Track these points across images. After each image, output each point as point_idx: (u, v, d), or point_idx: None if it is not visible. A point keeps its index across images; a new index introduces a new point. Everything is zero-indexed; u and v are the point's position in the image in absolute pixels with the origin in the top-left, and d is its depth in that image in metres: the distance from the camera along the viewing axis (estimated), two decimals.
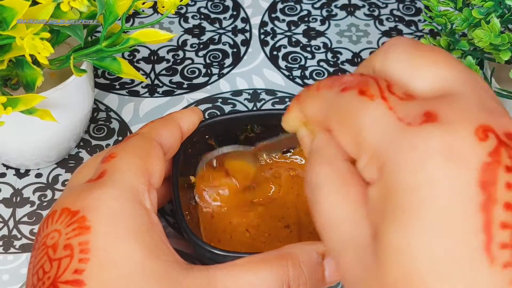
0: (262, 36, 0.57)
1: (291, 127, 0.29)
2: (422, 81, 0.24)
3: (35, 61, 0.38)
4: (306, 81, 0.53)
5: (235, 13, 0.59)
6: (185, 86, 0.53)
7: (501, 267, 0.20)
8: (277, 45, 0.57)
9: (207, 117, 0.48)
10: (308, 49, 0.56)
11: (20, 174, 0.47)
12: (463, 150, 0.21)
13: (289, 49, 0.56)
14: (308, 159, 0.27)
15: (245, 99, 0.52)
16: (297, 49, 0.56)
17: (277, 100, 0.52)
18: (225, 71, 0.54)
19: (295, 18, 0.59)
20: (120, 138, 0.49)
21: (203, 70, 0.54)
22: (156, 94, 0.52)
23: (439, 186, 0.21)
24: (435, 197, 0.21)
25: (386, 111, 0.23)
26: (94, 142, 0.49)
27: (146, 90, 0.53)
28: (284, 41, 0.57)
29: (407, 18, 0.59)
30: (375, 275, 0.23)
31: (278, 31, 0.58)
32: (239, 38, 0.57)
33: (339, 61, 0.55)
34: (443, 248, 0.21)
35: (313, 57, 0.56)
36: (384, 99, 0.24)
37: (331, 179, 0.25)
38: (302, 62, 0.55)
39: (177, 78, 0.54)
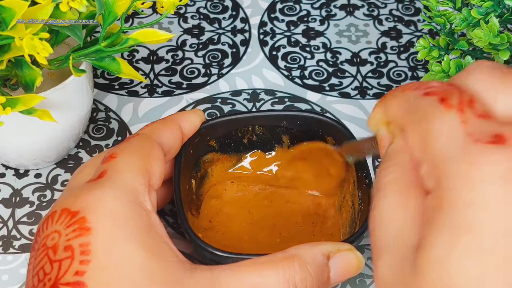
0: (262, 36, 0.57)
1: (373, 126, 0.30)
2: (503, 105, 0.25)
3: (34, 61, 0.38)
4: (305, 81, 0.53)
5: (234, 13, 0.59)
6: (184, 86, 0.53)
7: None
8: (276, 45, 0.57)
9: (207, 117, 0.48)
10: (308, 49, 0.56)
11: (20, 174, 0.47)
12: None
13: (289, 49, 0.56)
14: (382, 160, 0.28)
15: (244, 99, 0.52)
16: (297, 49, 0.56)
17: (277, 100, 0.52)
18: (224, 71, 0.54)
19: (294, 18, 0.59)
20: (119, 138, 0.49)
21: (203, 70, 0.54)
22: (156, 94, 0.52)
23: (494, 208, 0.21)
24: (487, 218, 0.21)
25: (458, 123, 0.24)
26: (93, 142, 0.49)
27: (145, 90, 0.53)
28: (284, 41, 0.57)
29: (406, 18, 0.59)
30: (409, 283, 0.23)
31: (278, 31, 0.58)
32: (239, 38, 0.57)
33: (338, 61, 0.55)
34: (484, 270, 0.21)
35: (312, 57, 0.56)
36: (461, 111, 0.24)
37: (396, 184, 0.26)
38: (302, 62, 0.55)
39: (176, 78, 0.54)
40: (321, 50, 0.56)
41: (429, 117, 0.25)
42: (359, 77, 0.54)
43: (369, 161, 0.47)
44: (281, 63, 0.55)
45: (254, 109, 0.51)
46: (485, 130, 0.23)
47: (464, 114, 0.24)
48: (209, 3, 0.60)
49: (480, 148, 0.23)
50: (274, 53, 0.56)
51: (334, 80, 0.54)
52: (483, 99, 0.25)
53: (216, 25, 0.58)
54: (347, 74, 0.54)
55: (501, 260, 0.21)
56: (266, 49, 0.56)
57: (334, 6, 0.60)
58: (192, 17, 0.59)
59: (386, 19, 0.59)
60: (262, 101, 0.52)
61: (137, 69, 0.54)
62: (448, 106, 0.25)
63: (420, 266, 0.23)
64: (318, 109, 0.52)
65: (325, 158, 0.43)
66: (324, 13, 0.59)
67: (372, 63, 0.55)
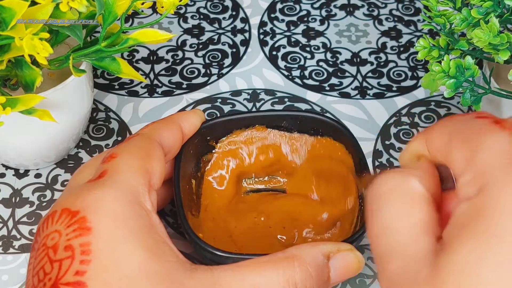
0: (262, 36, 0.57)
1: (406, 160, 0.31)
2: None
3: (34, 61, 0.38)
4: (305, 81, 0.53)
5: (234, 13, 0.59)
6: (184, 86, 0.53)
7: None
8: (276, 45, 0.57)
9: (207, 117, 0.48)
10: (308, 49, 0.56)
11: (20, 174, 0.47)
12: None
13: (289, 49, 0.56)
14: (390, 169, 0.29)
15: (244, 99, 0.52)
16: (297, 49, 0.56)
17: (276, 100, 0.52)
18: (224, 71, 0.54)
19: (294, 18, 0.59)
20: (119, 138, 0.49)
21: (203, 70, 0.54)
22: (156, 94, 0.52)
23: None
24: None
25: (510, 141, 0.25)
26: (93, 142, 0.49)
27: (145, 90, 0.53)
28: (284, 41, 0.57)
29: (406, 18, 0.59)
30: (427, 282, 0.23)
31: (278, 31, 0.58)
32: (239, 38, 0.57)
33: (338, 61, 0.55)
34: (509, 281, 0.21)
35: (312, 57, 0.56)
36: None
37: (396, 192, 0.27)
38: (302, 62, 0.55)
39: (176, 78, 0.54)
40: (321, 50, 0.56)
41: (482, 134, 0.26)
42: (359, 77, 0.54)
43: (369, 161, 0.48)
44: (281, 63, 0.55)
45: (254, 109, 0.51)
46: None
47: None
48: (209, 3, 0.60)
49: None
50: (274, 53, 0.56)
51: (334, 80, 0.54)
52: None
53: (216, 25, 0.58)
54: (347, 74, 0.54)
55: None
56: (266, 49, 0.56)
57: (334, 6, 0.60)
58: (192, 17, 0.59)
59: (386, 19, 0.59)
60: (262, 101, 0.52)
61: (137, 69, 0.54)
62: (502, 127, 0.26)
63: (442, 268, 0.23)
64: (318, 109, 0.52)
65: (342, 185, 0.42)
66: (324, 13, 0.59)
67: (372, 63, 0.55)
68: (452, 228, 0.24)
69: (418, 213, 0.26)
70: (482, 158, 0.25)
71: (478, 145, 0.25)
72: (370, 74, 0.54)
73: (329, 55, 0.56)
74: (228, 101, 0.52)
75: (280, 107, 0.51)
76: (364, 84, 0.53)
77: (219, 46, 0.56)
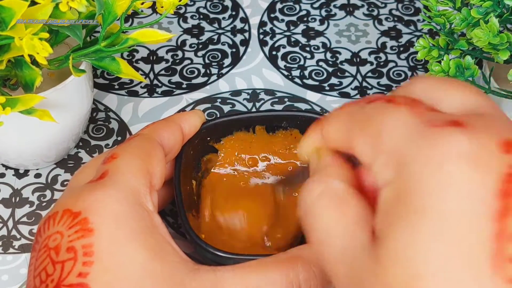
0: (261, 36, 0.57)
1: (304, 155, 0.29)
2: (450, 103, 0.25)
3: (34, 61, 0.38)
4: (305, 81, 0.53)
5: (234, 13, 0.59)
6: (184, 86, 0.53)
7: (506, 281, 0.20)
8: (276, 45, 0.57)
9: (207, 117, 0.48)
10: (307, 49, 0.56)
11: (19, 174, 0.47)
12: (485, 158, 0.21)
13: (288, 49, 0.56)
14: (309, 178, 0.27)
15: (244, 99, 0.52)
16: (296, 49, 0.56)
17: (276, 100, 0.52)
18: (224, 71, 0.54)
19: (294, 18, 0.59)
20: (119, 138, 0.49)
21: (202, 70, 0.54)
22: (155, 94, 0.52)
23: (456, 188, 0.21)
24: (450, 200, 0.21)
25: (411, 115, 0.23)
26: (93, 142, 0.49)
27: (145, 90, 0.53)
28: (283, 41, 0.57)
29: (406, 17, 0.59)
30: (372, 279, 0.22)
31: (277, 31, 0.58)
32: (238, 38, 0.57)
33: (338, 61, 0.55)
34: (449, 254, 0.20)
35: (312, 57, 0.56)
36: (410, 106, 0.24)
37: (325, 199, 0.25)
38: (301, 62, 0.55)
39: (176, 78, 0.54)
40: (321, 50, 0.56)
41: (378, 116, 0.24)
42: (359, 77, 0.54)
43: None
44: (281, 63, 0.55)
45: (254, 109, 0.51)
46: (439, 118, 0.23)
47: (414, 108, 0.24)
48: (209, 3, 0.60)
49: (439, 130, 0.22)
50: (274, 53, 0.56)
51: (334, 80, 0.54)
52: (426, 103, 0.25)
53: (216, 25, 0.58)
54: (347, 74, 0.54)
55: (464, 241, 0.20)
56: (266, 49, 0.56)
57: (334, 6, 0.60)
58: (192, 17, 0.59)
59: (386, 19, 0.59)
60: (262, 101, 0.52)
61: (137, 69, 0.54)
62: (397, 104, 0.24)
63: (382, 259, 0.22)
64: (318, 109, 0.52)
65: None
66: (324, 13, 0.59)
67: (372, 63, 0.55)
68: (381, 216, 0.23)
69: (349, 212, 0.25)
70: (387, 140, 0.23)
71: (379, 128, 0.24)
72: (370, 74, 0.54)
73: (329, 55, 0.56)
74: (228, 101, 0.52)
75: (280, 107, 0.51)
76: (364, 84, 0.53)
77: (219, 46, 0.56)
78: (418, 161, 0.22)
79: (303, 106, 0.52)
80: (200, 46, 0.56)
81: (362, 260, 0.23)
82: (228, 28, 0.58)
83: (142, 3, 0.41)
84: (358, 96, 0.52)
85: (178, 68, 0.54)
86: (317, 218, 0.25)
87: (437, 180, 0.21)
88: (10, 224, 0.44)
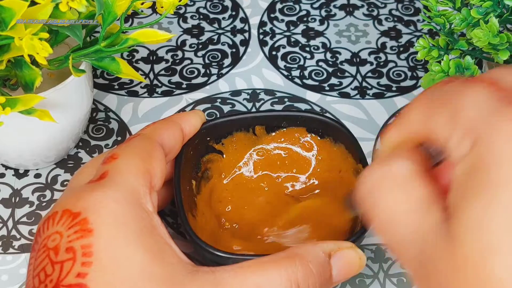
0: (261, 36, 0.57)
1: (387, 148, 0.29)
2: None
3: (34, 62, 0.38)
4: (305, 81, 0.53)
5: (234, 13, 0.59)
6: (184, 86, 0.53)
7: None
8: (276, 45, 0.57)
9: (207, 118, 0.48)
10: (307, 49, 0.56)
11: (19, 174, 0.47)
12: None
13: (288, 49, 0.56)
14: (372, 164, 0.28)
15: (244, 99, 0.52)
16: (296, 49, 0.56)
17: (276, 100, 0.52)
18: (224, 71, 0.54)
19: (294, 18, 0.59)
20: (119, 138, 0.49)
21: (202, 70, 0.54)
22: (155, 94, 0.52)
23: None
24: None
25: (489, 91, 0.24)
26: (93, 142, 0.49)
27: (145, 90, 0.53)
28: (283, 41, 0.57)
29: (406, 18, 0.59)
30: (446, 254, 0.22)
31: (277, 31, 0.58)
32: (238, 38, 0.57)
33: (338, 61, 0.55)
34: None
35: (312, 57, 0.56)
36: (489, 84, 0.24)
37: (391, 179, 0.26)
38: (301, 62, 0.55)
39: (176, 78, 0.54)
40: (321, 50, 0.56)
41: (457, 94, 0.25)
42: (358, 77, 0.54)
43: (369, 161, 0.47)
44: (281, 63, 0.55)
45: (254, 109, 0.51)
46: None
47: (493, 86, 0.24)
48: (208, 3, 0.60)
49: None
50: (274, 53, 0.56)
51: (333, 80, 0.54)
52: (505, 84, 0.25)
53: (216, 25, 0.58)
54: (346, 74, 0.54)
55: None
56: (266, 49, 0.56)
57: (334, 6, 0.60)
58: (191, 17, 0.59)
59: (386, 19, 0.59)
60: (262, 101, 0.52)
61: (137, 69, 0.54)
62: (476, 82, 0.24)
63: (456, 233, 0.22)
64: (318, 109, 0.52)
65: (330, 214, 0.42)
66: (323, 13, 0.59)
67: (371, 63, 0.55)
68: (455, 191, 0.23)
69: (417, 190, 0.25)
70: (465, 115, 0.24)
71: (457, 104, 0.24)
72: (369, 74, 0.54)
73: (328, 55, 0.56)
74: (228, 101, 0.52)
75: (280, 107, 0.51)
76: (364, 84, 0.53)
77: (219, 46, 0.56)
78: (495, 135, 0.22)
79: (303, 106, 0.52)
80: (200, 46, 0.56)
81: (433, 239, 0.23)
82: (228, 28, 0.58)
83: (142, 3, 0.41)
84: (358, 96, 0.52)
85: (178, 68, 0.54)
86: (380, 200, 0.26)
87: None
88: (10, 224, 0.44)
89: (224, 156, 0.44)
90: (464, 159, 0.23)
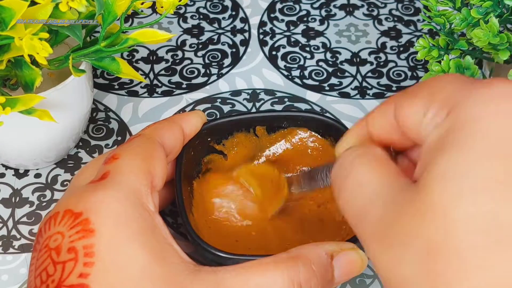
0: (261, 36, 0.57)
1: (346, 145, 0.31)
2: None
3: (34, 61, 0.38)
4: (305, 81, 0.53)
5: (234, 13, 0.59)
6: (184, 86, 0.53)
7: None
8: (276, 45, 0.57)
9: (208, 118, 0.48)
10: (307, 49, 0.56)
11: (19, 174, 0.47)
12: None
13: (288, 49, 0.56)
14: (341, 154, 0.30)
15: (244, 99, 0.52)
16: (296, 49, 0.56)
17: (276, 100, 0.52)
18: (224, 71, 0.54)
19: (294, 18, 0.59)
20: (119, 138, 0.49)
21: (202, 70, 0.54)
22: (155, 94, 0.52)
23: (507, 118, 0.22)
24: (498, 127, 0.22)
25: (461, 75, 0.26)
26: (93, 142, 0.49)
27: (145, 90, 0.53)
28: (283, 41, 0.57)
29: (406, 18, 0.59)
30: (411, 209, 0.23)
31: (277, 31, 0.58)
32: (238, 38, 0.57)
33: (338, 61, 0.55)
34: (495, 170, 0.21)
35: (312, 57, 0.56)
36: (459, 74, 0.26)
37: (369, 156, 0.28)
38: (301, 62, 0.55)
39: (176, 78, 0.54)
40: (321, 50, 0.56)
41: (433, 79, 0.26)
42: (358, 77, 0.54)
43: None
44: (281, 63, 0.55)
45: (254, 109, 0.51)
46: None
47: (463, 76, 0.26)
48: (208, 3, 0.60)
49: (489, 80, 0.24)
50: (274, 53, 0.56)
51: (333, 80, 0.54)
52: None
53: (216, 25, 0.58)
54: (346, 74, 0.54)
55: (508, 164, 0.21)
56: (266, 49, 0.56)
57: (334, 6, 0.60)
58: (191, 17, 0.59)
59: (386, 19, 0.59)
60: (262, 101, 0.52)
61: (137, 69, 0.54)
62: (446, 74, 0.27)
63: (424, 185, 0.23)
64: (318, 109, 0.52)
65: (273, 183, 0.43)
66: (323, 13, 0.59)
67: (372, 63, 0.55)
68: (424, 157, 0.24)
69: (391, 165, 0.27)
70: (442, 90, 0.25)
71: (433, 85, 0.26)
72: (369, 74, 0.54)
73: (328, 55, 0.56)
74: (228, 101, 0.52)
75: (280, 107, 0.51)
76: (364, 84, 0.53)
77: (219, 46, 0.56)
78: (472, 99, 0.23)
79: (303, 106, 0.52)
80: (200, 46, 0.56)
81: (403, 195, 0.24)
82: (228, 28, 0.58)
83: (142, 3, 0.41)
84: (358, 96, 0.52)
85: (178, 68, 0.54)
86: (355, 170, 0.27)
87: (486, 112, 0.23)
88: (10, 224, 0.44)
89: (227, 157, 0.44)
90: (438, 125, 0.24)
